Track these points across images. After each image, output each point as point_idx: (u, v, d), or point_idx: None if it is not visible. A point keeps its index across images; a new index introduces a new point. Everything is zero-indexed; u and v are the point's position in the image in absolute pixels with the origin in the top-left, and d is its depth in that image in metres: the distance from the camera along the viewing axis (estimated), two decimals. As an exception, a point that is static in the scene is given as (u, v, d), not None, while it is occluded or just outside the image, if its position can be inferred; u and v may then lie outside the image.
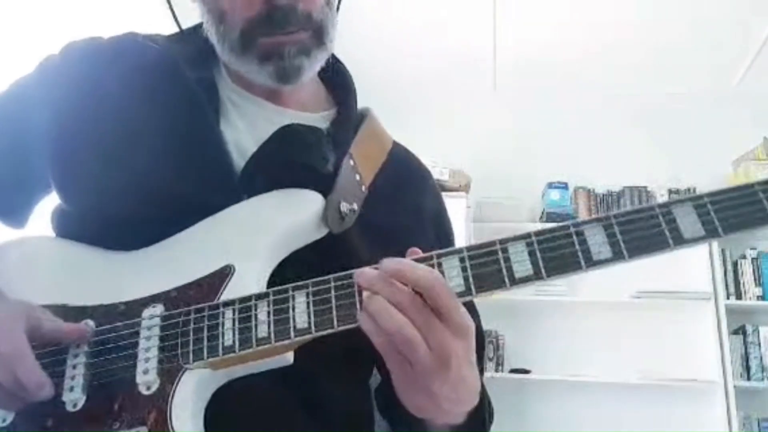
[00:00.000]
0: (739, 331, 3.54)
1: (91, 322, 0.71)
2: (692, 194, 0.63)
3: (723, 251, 3.65)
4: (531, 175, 3.96)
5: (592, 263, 0.62)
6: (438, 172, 3.58)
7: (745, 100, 3.91)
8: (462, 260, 0.64)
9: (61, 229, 0.84)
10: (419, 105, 4.12)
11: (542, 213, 3.90)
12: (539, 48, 3.75)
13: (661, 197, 3.79)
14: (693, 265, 3.54)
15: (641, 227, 0.62)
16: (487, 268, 0.63)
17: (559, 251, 0.62)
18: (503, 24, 3.58)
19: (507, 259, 0.63)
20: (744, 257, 3.64)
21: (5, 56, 2.14)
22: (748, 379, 3.43)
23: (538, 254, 0.62)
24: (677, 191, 3.79)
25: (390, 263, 0.61)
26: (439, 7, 3.46)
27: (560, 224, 0.63)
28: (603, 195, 3.89)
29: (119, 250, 0.76)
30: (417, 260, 0.64)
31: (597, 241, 0.62)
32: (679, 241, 0.61)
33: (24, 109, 0.86)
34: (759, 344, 3.47)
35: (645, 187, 3.84)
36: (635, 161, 3.92)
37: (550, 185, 3.88)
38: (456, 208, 3.36)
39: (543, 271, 0.62)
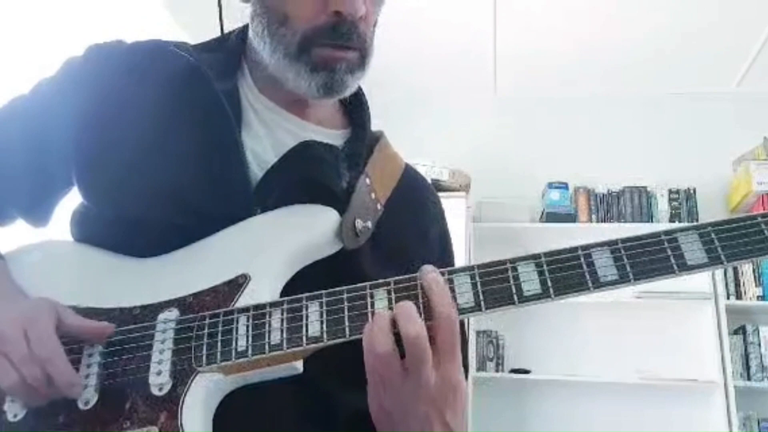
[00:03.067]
0: (739, 331, 3.55)
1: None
2: (697, 223, 0.66)
3: (723, 251, 3.65)
4: (531, 175, 3.96)
5: (599, 284, 0.64)
6: (438, 172, 3.58)
7: (745, 100, 3.93)
8: (473, 277, 0.66)
9: (81, 232, 0.85)
10: (419, 105, 4.13)
11: (542, 213, 3.89)
12: (539, 48, 3.75)
13: (661, 197, 3.79)
14: (693, 265, 3.54)
15: (648, 252, 0.64)
16: (497, 285, 0.65)
17: (567, 272, 0.64)
18: (503, 24, 3.58)
19: (516, 278, 0.65)
20: (744, 257, 3.64)
21: (9, 56, 2.15)
22: (748, 379, 3.43)
23: (547, 274, 0.64)
24: (677, 191, 3.80)
25: (430, 271, 0.66)
26: (439, 8, 3.47)
27: (569, 247, 0.65)
28: (603, 195, 3.87)
29: (136, 254, 0.78)
30: None
31: (604, 264, 0.64)
32: (684, 267, 0.64)
33: (48, 110, 0.87)
34: (759, 344, 3.47)
35: (645, 187, 3.83)
36: (635, 161, 3.93)
37: (550, 185, 3.87)
38: (456, 208, 3.36)
39: (551, 290, 0.64)
